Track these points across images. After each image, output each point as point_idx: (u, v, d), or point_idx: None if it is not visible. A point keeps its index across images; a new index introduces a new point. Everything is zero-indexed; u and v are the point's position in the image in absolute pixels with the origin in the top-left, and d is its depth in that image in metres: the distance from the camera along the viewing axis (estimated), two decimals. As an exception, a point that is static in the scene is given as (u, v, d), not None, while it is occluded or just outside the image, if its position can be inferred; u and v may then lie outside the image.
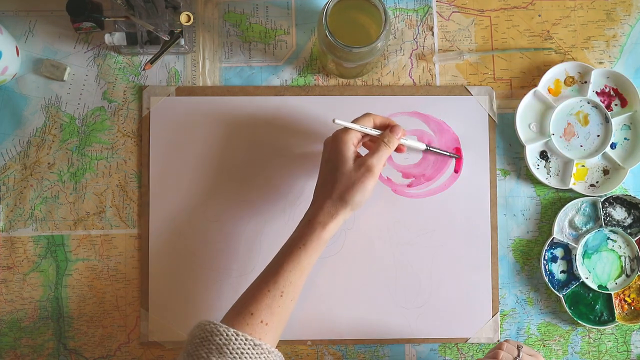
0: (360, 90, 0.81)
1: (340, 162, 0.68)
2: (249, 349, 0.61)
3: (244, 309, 0.65)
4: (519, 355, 0.69)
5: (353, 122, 0.70)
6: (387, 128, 0.71)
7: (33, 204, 0.81)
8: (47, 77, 0.81)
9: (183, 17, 0.77)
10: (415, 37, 0.82)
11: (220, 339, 0.61)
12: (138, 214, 0.81)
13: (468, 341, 0.80)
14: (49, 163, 0.81)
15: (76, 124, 0.81)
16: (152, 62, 0.77)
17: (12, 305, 0.80)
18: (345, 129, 0.69)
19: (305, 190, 0.80)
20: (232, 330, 0.62)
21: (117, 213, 0.81)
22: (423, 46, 0.82)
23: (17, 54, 0.79)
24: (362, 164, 0.67)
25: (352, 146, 0.69)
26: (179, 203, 0.80)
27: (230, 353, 0.60)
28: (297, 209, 0.80)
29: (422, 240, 0.80)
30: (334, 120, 0.68)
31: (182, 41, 0.78)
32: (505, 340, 0.72)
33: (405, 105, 0.81)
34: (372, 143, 0.72)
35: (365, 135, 0.71)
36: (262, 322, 0.64)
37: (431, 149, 0.78)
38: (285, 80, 0.82)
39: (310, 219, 0.68)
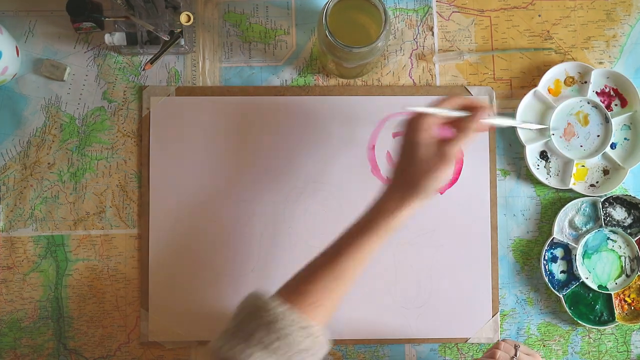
0: (360, 90, 0.81)
1: (416, 148, 0.63)
2: (297, 329, 0.59)
3: (298, 287, 0.63)
4: (516, 355, 0.69)
5: (436, 105, 0.65)
6: (471, 109, 0.65)
7: (33, 204, 0.81)
8: (47, 77, 0.81)
9: (183, 17, 0.77)
10: (415, 37, 0.82)
11: (269, 316, 0.59)
12: (138, 214, 0.81)
13: (468, 341, 0.80)
14: (49, 163, 0.81)
15: (76, 124, 0.81)
16: (152, 62, 0.77)
17: (12, 305, 0.80)
18: (422, 114, 0.64)
19: (306, 191, 0.80)
20: (282, 308, 0.60)
21: (117, 213, 0.81)
22: (423, 46, 0.82)
23: (17, 54, 0.79)
24: (438, 151, 0.63)
25: (430, 131, 0.64)
26: (179, 203, 0.80)
27: (278, 331, 0.59)
28: (297, 208, 0.80)
29: (422, 240, 0.80)
30: (405, 108, 0.64)
31: (182, 41, 0.78)
32: (503, 340, 0.72)
33: (405, 105, 0.81)
34: (449, 126, 0.67)
35: (447, 117, 0.66)
36: (314, 303, 0.62)
37: (522, 127, 0.76)
38: (285, 80, 0.82)
39: (380, 205, 0.65)
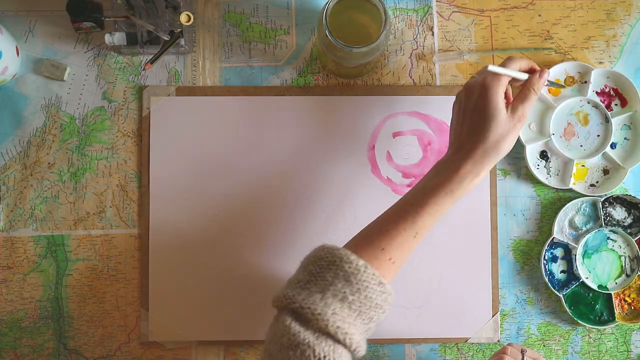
0: (360, 90, 0.81)
1: (494, 111, 0.65)
2: (374, 285, 0.59)
3: (375, 242, 0.63)
4: (522, 359, 0.69)
5: (505, 65, 0.68)
6: (531, 72, 0.69)
7: (33, 204, 0.81)
8: (47, 77, 0.81)
9: (183, 17, 0.77)
10: (415, 37, 0.82)
11: (350, 267, 0.59)
12: (138, 214, 0.81)
13: (468, 341, 0.80)
14: (49, 163, 0.81)
15: (76, 124, 0.81)
16: (152, 62, 0.77)
17: (12, 305, 0.80)
18: (495, 77, 0.66)
19: (306, 191, 0.80)
20: (362, 261, 0.60)
21: (117, 213, 0.81)
22: (423, 46, 0.82)
23: (17, 54, 0.79)
24: (515, 112, 0.66)
25: (503, 94, 0.67)
26: (179, 203, 0.80)
27: (356, 284, 0.59)
28: (297, 208, 0.80)
29: (422, 240, 0.80)
30: (487, 68, 0.65)
31: (182, 41, 0.78)
32: (509, 344, 0.72)
33: (405, 105, 0.81)
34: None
35: (510, 81, 0.69)
36: (390, 259, 0.62)
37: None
38: (285, 80, 0.82)
39: (458, 167, 0.65)
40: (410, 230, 0.63)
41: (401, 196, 0.80)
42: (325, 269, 0.60)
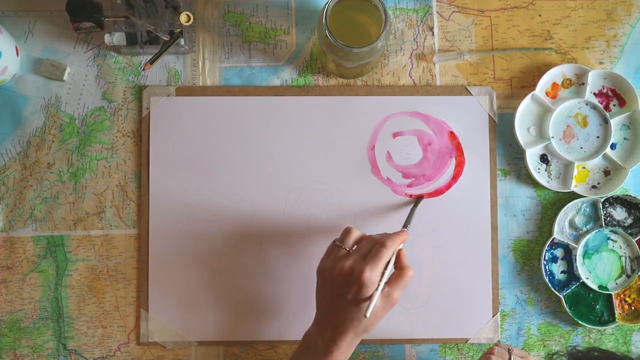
0: (360, 90, 0.81)
1: (364, 300, 0.65)
2: None
3: None
4: (510, 359, 0.69)
5: (341, 238, 0.69)
6: (362, 239, 0.69)
7: (33, 204, 0.81)
8: (46, 77, 0.81)
9: (183, 17, 0.77)
10: (415, 37, 0.82)
11: None
12: (138, 214, 0.81)
13: (468, 341, 0.80)
14: (48, 163, 0.81)
15: (76, 124, 0.81)
16: (152, 62, 0.77)
17: (12, 306, 0.80)
18: (373, 273, 0.65)
19: (306, 191, 0.80)
20: None
21: (117, 213, 0.81)
22: (423, 46, 0.82)
23: (17, 54, 0.79)
24: (389, 298, 0.66)
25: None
26: (179, 203, 0.80)
27: None
28: (297, 209, 0.80)
29: (422, 240, 0.80)
30: (365, 315, 0.64)
31: (182, 41, 0.78)
32: (496, 344, 0.72)
33: (405, 105, 0.81)
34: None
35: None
36: None
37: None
38: (285, 80, 0.82)
39: (332, 351, 0.66)
40: None
41: (400, 196, 0.81)
42: None
